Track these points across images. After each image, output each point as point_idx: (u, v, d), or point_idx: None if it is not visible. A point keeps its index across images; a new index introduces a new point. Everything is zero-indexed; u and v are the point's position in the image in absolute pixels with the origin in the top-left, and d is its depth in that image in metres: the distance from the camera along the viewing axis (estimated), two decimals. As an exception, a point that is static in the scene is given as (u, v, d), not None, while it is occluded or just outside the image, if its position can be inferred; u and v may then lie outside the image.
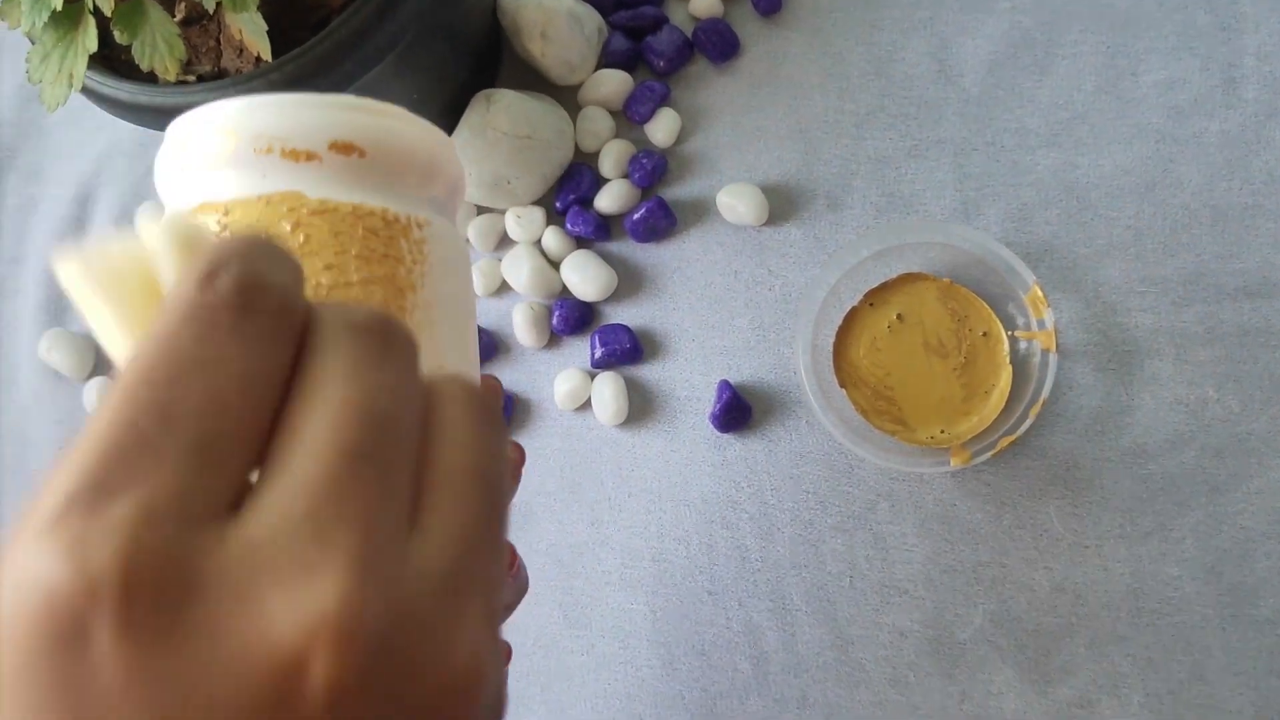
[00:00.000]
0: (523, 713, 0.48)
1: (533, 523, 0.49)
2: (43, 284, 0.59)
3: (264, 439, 0.20)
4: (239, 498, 0.19)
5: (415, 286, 0.28)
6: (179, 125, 0.30)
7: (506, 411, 0.50)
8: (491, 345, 0.51)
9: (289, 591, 0.18)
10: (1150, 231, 0.45)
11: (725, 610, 0.46)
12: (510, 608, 0.35)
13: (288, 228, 0.27)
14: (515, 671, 0.48)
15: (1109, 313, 0.45)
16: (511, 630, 0.49)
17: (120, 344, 0.22)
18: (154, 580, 0.17)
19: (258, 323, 0.20)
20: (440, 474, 0.21)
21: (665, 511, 0.48)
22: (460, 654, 0.19)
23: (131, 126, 0.57)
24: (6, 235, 0.61)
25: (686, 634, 0.47)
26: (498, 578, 0.21)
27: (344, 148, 0.28)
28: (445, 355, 0.29)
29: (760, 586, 0.46)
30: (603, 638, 0.48)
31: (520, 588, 0.35)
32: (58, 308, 0.59)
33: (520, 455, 0.35)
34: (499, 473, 0.22)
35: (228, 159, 0.28)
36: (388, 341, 0.21)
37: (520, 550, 0.49)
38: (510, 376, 0.51)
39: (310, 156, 0.28)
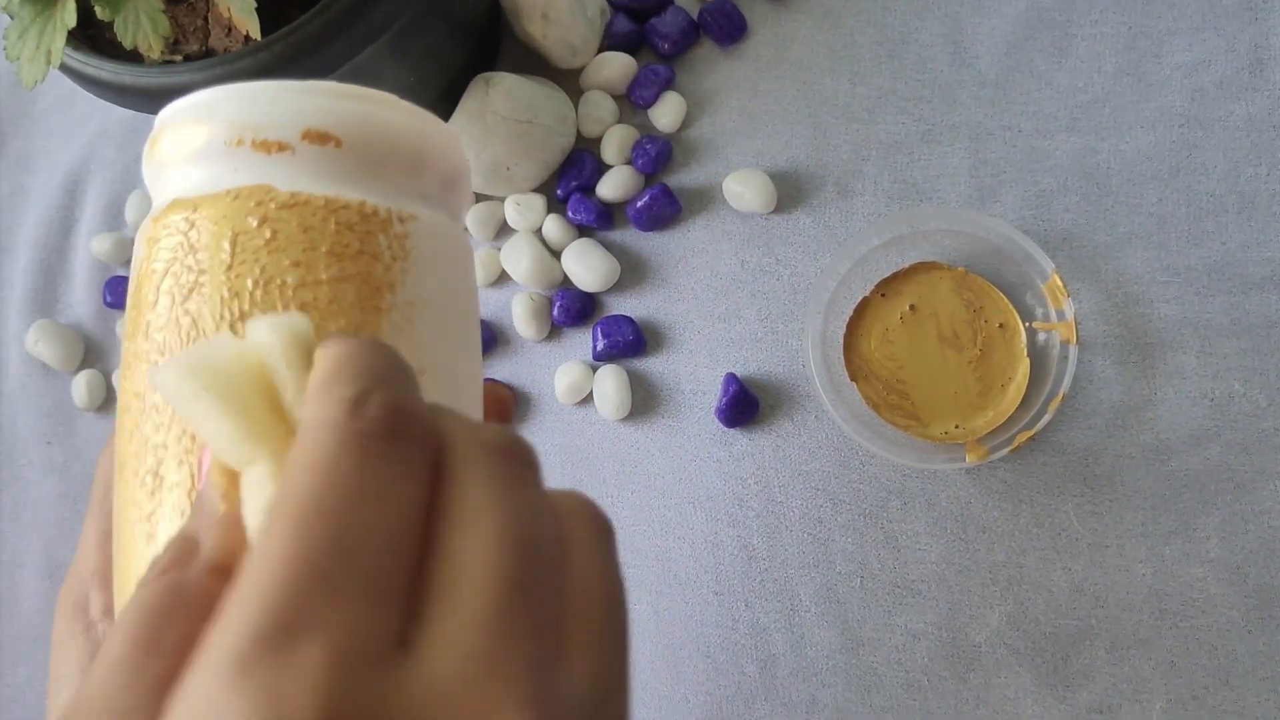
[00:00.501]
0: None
1: (532, 520, 0.48)
2: (30, 274, 0.58)
3: (417, 568, 0.20)
4: (405, 632, 0.19)
5: (394, 285, 0.27)
6: (159, 117, 0.29)
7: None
8: (491, 337, 0.50)
9: None
10: (1173, 219, 0.44)
11: (731, 611, 0.45)
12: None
13: (254, 223, 0.26)
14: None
15: (1130, 303, 0.43)
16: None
17: (237, 454, 0.21)
18: None
19: (408, 450, 0.20)
20: (579, 599, 0.21)
21: (669, 509, 0.46)
22: None
23: (121, 113, 0.55)
24: (-6, 224, 0.59)
25: (691, 635, 0.45)
26: (628, 715, 0.21)
27: (319, 137, 0.27)
28: (428, 357, 0.27)
29: (768, 587, 0.45)
30: (605, 639, 0.46)
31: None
32: (45, 299, 0.57)
33: (510, 397, 0.34)
34: (624, 593, 0.22)
35: (198, 152, 0.27)
36: (522, 461, 0.21)
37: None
38: (509, 369, 0.50)
39: (282, 147, 0.27)
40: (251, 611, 0.17)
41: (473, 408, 0.29)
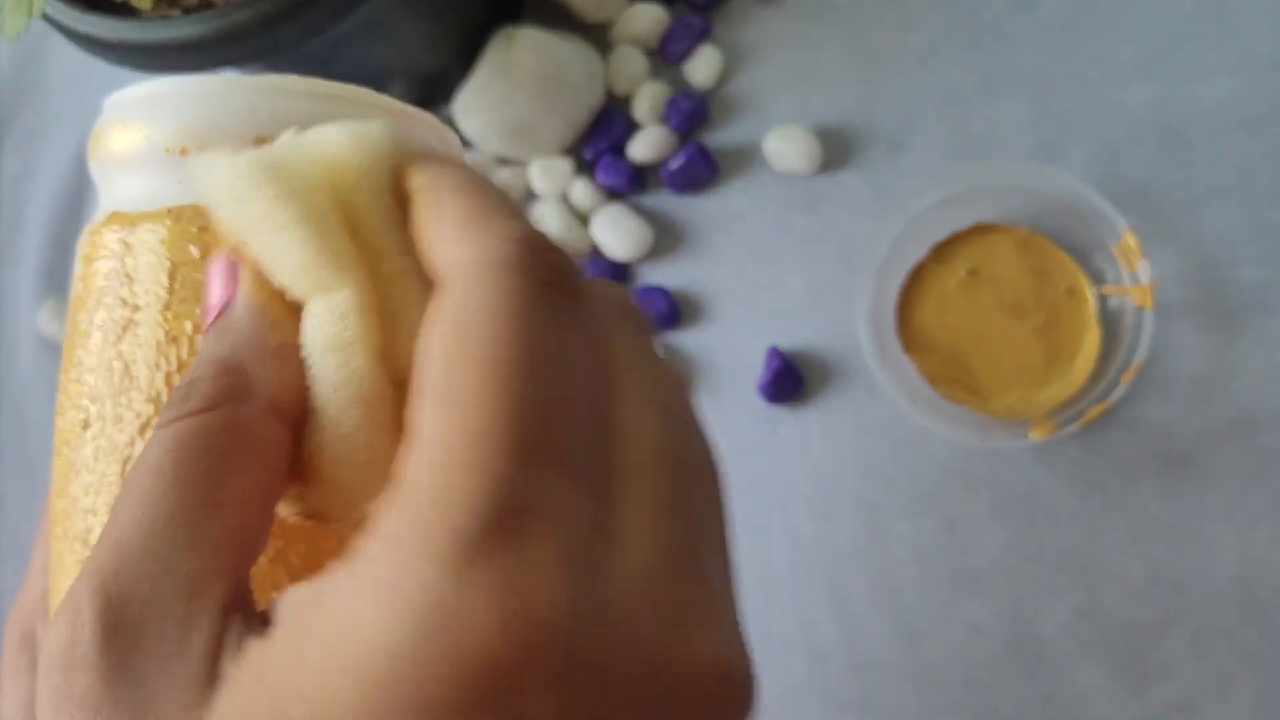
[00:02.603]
0: None
1: (563, 505, 0.45)
2: (44, 251, 0.56)
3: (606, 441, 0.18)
4: (600, 515, 0.17)
5: None
6: (107, 105, 0.25)
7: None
8: (516, 310, 0.47)
9: (695, 634, 0.17)
10: (1259, 172, 0.40)
11: (778, 603, 0.42)
12: None
13: (195, 253, 0.22)
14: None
15: (1212, 265, 0.40)
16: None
17: (320, 278, 0.19)
18: (579, 631, 0.16)
19: (584, 306, 0.19)
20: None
21: (709, 492, 0.44)
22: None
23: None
24: (5, 202, 0.58)
25: (734, 627, 0.42)
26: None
27: None
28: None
29: (817, 576, 0.42)
30: (641, 631, 0.44)
31: None
32: (59, 277, 0.55)
33: None
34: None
35: (139, 158, 0.23)
36: (648, 329, 0.21)
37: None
38: (537, 344, 0.47)
39: None
40: (472, 486, 0.16)
41: None
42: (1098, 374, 0.40)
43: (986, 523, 0.41)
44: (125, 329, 0.22)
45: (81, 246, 0.24)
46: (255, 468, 0.18)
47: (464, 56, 0.45)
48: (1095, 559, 0.39)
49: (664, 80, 0.47)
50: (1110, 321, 0.40)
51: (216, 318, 0.20)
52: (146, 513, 0.18)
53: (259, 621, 0.18)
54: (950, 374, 0.41)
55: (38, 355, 0.55)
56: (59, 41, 0.38)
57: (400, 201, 0.20)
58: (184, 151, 0.23)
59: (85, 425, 0.22)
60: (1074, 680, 0.39)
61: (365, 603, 0.15)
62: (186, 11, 0.37)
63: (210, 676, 0.17)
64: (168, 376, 0.22)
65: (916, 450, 0.42)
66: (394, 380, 0.20)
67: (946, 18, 0.44)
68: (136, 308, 0.22)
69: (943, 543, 0.41)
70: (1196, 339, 0.40)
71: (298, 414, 0.19)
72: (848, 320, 0.43)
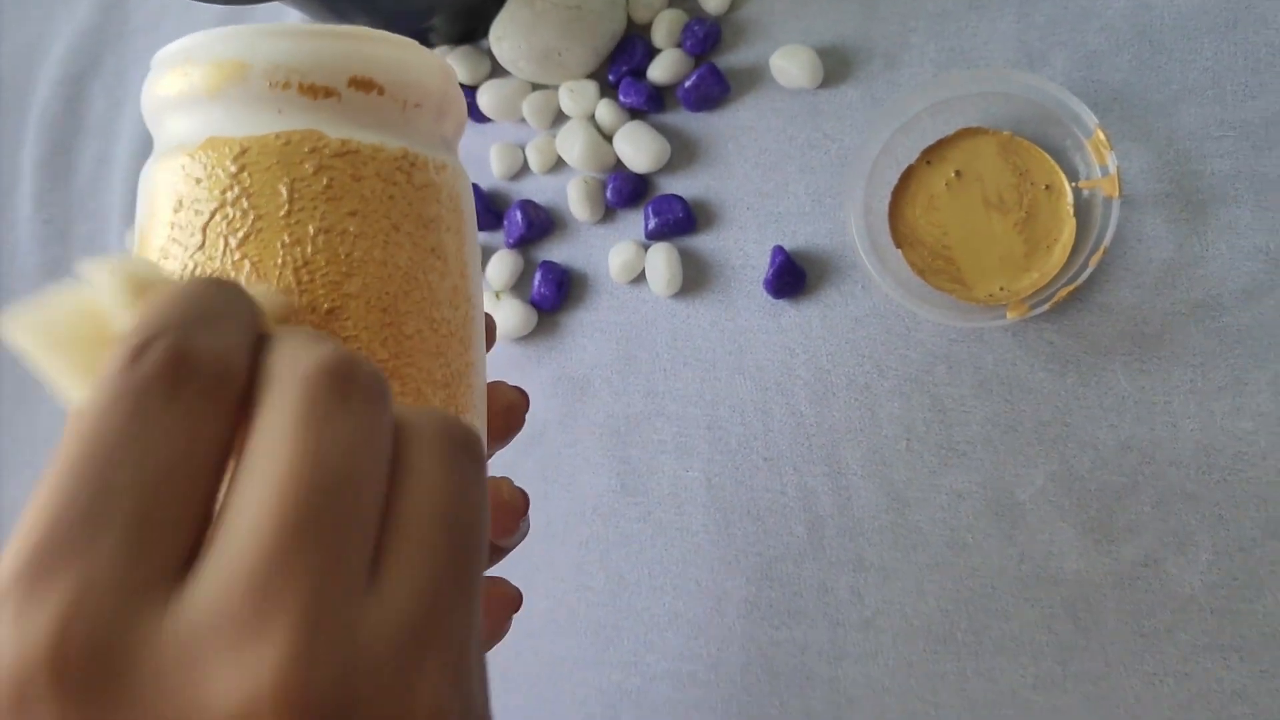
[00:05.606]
0: (581, 579, 0.49)
1: (590, 395, 0.50)
2: (130, 182, 0.61)
3: (212, 505, 0.20)
4: (187, 566, 0.19)
5: (441, 237, 0.28)
6: (174, 51, 0.28)
7: (563, 289, 0.50)
8: (549, 221, 0.51)
9: (230, 664, 0.17)
10: (1230, 73, 0.43)
11: (780, 476, 0.46)
12: (508, 549, 0.33)
13: (310, 170, 0.26)
14: (573, 540, 0.49)
15: (1183, 160, 0.43)
16: (569, 500, 0.49)
17: (74, 398, 0.22)
18: (85, 659, 0.17)
19: (189, 396, 0.19)
20: (403, 525, 0.20)
21: (720, 380, 0.48)
22: (421, 711, 0.19)
23: (209, 29, 0.58)
24: (94, 138, 0.63)
25: (742, 500, 0.47)
26: (466, 628, 0.21)
27: (364, 84, 0.27)
28: (474, 300, 0.29)
29: (815, 452, 0.46)
30: (659, 505, 0.48)
31: (523, 532, 0.34)
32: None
33: (523, 399, 0.34)
34: (470, 518, 0.21)
35: (239, 91, 0.26)
36: (346, 388, 0.20)
37: (577, 423, 0.50)
38: (566, 252, 0.51)
39: (329, 93, 0.26)
40: (15, 548, 0.18)
41: (480, 346, 0.30)
42: (1071, 261, 0.43)
43: (970, 400, 0.44)
44: (248, 235, 0.25)
45: (167, 166, 0.26)
46: None
47: (494, -13, 0.49)
48: (1069, 430, 0.43)
49: (680, 8, 0.50)
50: (1084, 213, 0.43)
51: None
52: None
53: None
54: (937, 265, 0.44)
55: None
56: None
57: None
58: (286, 86, 0.26)
59: None
60: (1048, 540, 0.42)
61: None
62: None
63: None
64: (295, 272, 0.25)
65: (906, 337, 0.45)
66: None
67: (938, -61, 0.47)
68: (259, 215, 0.25)
69: (929, 419, 0.44)
70: (1166, 229, 0.43)
71: None
72: (845, 221, 0.47)
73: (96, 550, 0.18)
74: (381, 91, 0.27)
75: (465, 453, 0.22)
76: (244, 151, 0.26)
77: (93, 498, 0.18)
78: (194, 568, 0.19)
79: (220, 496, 0.20)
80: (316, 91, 0.26)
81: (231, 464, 0.20)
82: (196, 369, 0.20)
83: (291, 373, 0.20)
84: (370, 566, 0.19)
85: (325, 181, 0.26)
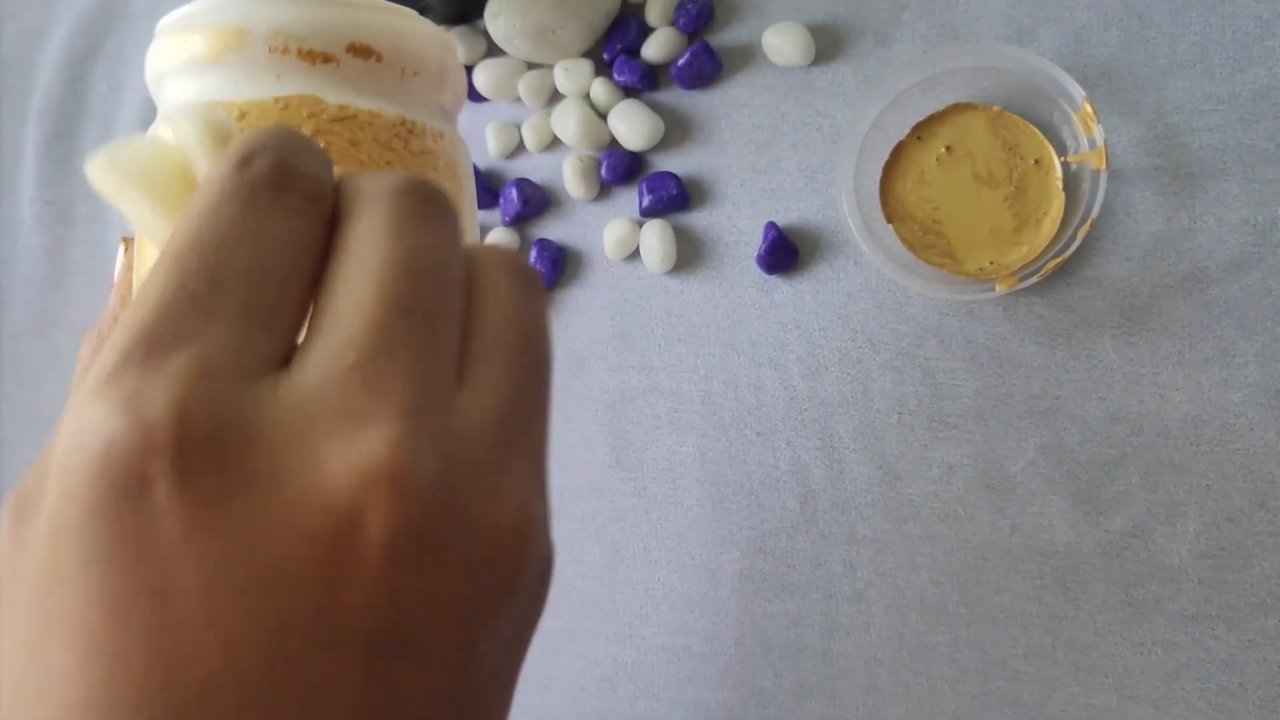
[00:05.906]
0: (576, 554, 0.49)
1: (585, 371, 0.50)
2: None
3: (309, 302, 0.20)
4: (289, 356, 0.19)
5: None
6: (176, 18, 0.28)
7: (558, 266, 0.51)
8: (544, 199, 0.52)
9: (342, 442, 0.18)
10: (1218, 46, 0.43)
11: (773, 450, 0.47)
12: None
13: (308, 134, 0.26)
14: (569, 515, 0.50)
15: (1171, 134, 0.43)
16: (564, 476, 0.50)
17: (160, 230, 0.22)
18: (209, 431, 0.17)
19: (293, 200, 0.20)
20: (486, 334, 0.21)
21: (714, 355, 0.48)
22: (511, 503, 0.20)
23: None
24: (96, 119, 0.64)
25: (735, 474, 0.47)
26: (543, 434, 0.22)
27: (362, 50, 0.27)
28: None
29: (808, 426, 0.46)
30: (654, 479, 0.48)
31: None
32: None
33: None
34: (544, 335, 0.22)
35: (239, 56, 0.26)
36: (427, 202, 0.21)
37: (572, 398, 0.50)
38: (561, 229, 0.52)
39: (328, 59, 0.27)
40: (125, 332, 0.18)
41: None
42: (1060, 234, 0.43)
43: (960, 374, 0.44)
44: None
45: (166, 130, 0.27)
46: None
47: (489, -33, 0.49)
48: (1059, 403, 0.43)
49: (673, -15, 0.51)
50: (1072, 186, 0.43)
51: None
52: None
53: None
54: (928, 240, 0.45)
55: (128, 257, 0.61)
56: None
57: None
58: (285, 51, 0.26)
59: None
60: (1038, 512, 0.43)
61: (59, 432, 0.19)
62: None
63: None
64: None
65: (897, 311, 0.46)
66: None
67: (929, -84, 0.48)
68: None
69: (921, 392, 0.45)
70: (1154, 202, 0.43)
71: None
72: (836, 197, 0.47)
73: (212, 332, 0.18)
74: (380, 58, 0.27)
75: (532, 280, 0.23)
76: (243, 116, 0.26)
77: (205, 283, 0.19)
78: (302, 349, 0.19)
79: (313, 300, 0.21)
80: (315, 57, 0.26)
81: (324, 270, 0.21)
82: (299, 179, 0.21)
83: (378, 188, 0.21)
84: (458, 367, 0.20)
85: (322, 146, 0.26)
